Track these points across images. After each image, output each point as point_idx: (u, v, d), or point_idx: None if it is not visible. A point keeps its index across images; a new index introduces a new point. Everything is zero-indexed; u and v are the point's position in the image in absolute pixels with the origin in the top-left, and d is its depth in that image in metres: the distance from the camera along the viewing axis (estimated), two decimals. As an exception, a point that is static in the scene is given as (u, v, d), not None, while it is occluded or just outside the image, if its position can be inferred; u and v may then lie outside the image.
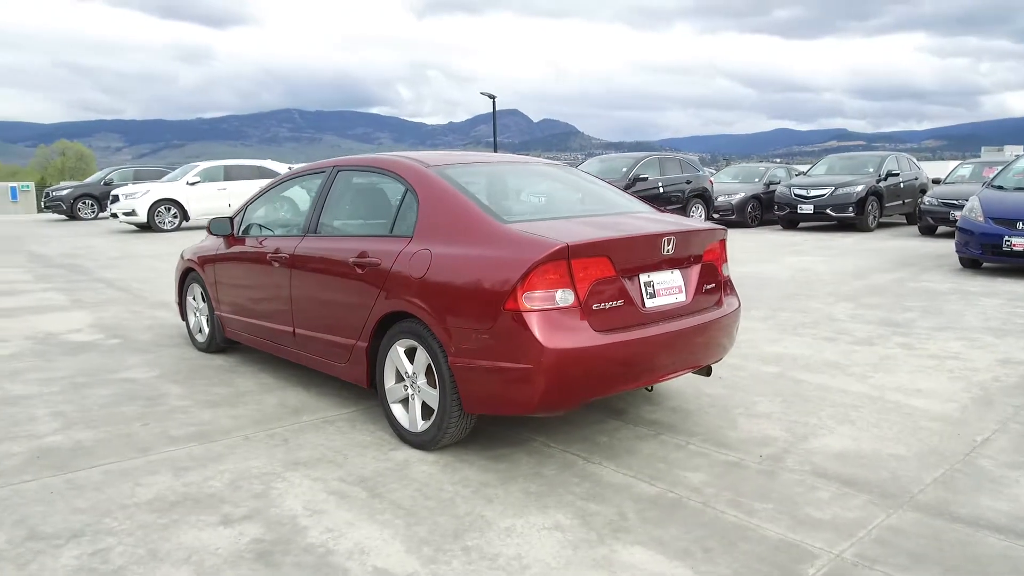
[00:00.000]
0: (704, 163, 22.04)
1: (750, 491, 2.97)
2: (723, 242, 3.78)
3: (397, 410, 3.55)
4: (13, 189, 26.08)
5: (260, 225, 4.74)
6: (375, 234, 3.76)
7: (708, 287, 3.61)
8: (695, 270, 3.54)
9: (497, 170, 4.07)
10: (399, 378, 3.52)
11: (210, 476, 3.11)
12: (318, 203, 4.22)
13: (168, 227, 16.56)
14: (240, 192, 17.70)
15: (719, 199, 16.27)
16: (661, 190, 14.28)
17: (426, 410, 3.41)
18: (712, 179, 16.42)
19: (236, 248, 4.79)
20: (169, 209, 16.69)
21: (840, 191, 14.46)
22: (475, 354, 3.07)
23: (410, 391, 3.46)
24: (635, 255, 3.24)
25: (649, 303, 3.28)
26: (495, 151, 31.26)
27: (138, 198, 16.50)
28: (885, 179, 14.71)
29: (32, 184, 27.43)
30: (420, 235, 3.44)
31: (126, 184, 19.52)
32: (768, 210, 16.16)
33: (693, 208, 15.00)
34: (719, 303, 3.68)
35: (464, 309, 3.11)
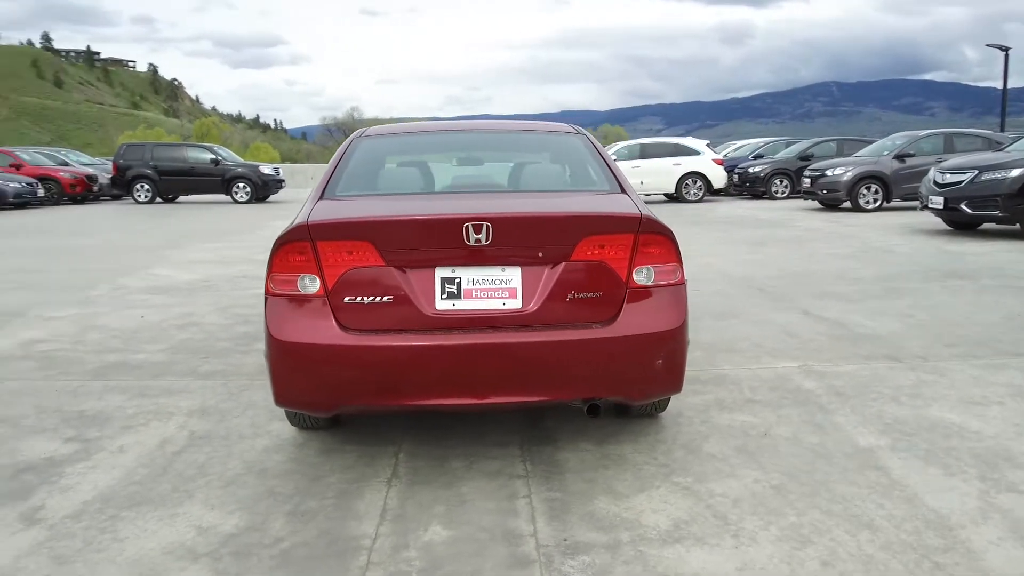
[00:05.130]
0: None
1: (456, 572, 2.17)
2: (640, 236, 2.66)
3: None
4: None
5: None
6: None
7: (583, 295, 2.61)
8: (553, 271, 2.61)
9: (447, 140, 3.58)
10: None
11: (111, 403, 3.65)
12: None
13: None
14: (653, 169, 18.19)
15: None
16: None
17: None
18: None
19: None
20: (587, 185, 18.15)
21: None
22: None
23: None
24: (419, 242, 2.58)
25: (443, 304, 2.58)
26: (1003, 114, 24.71)
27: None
28: None
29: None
30: None
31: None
32: None
33: None
34: (610, 318, 2.63)
35: None
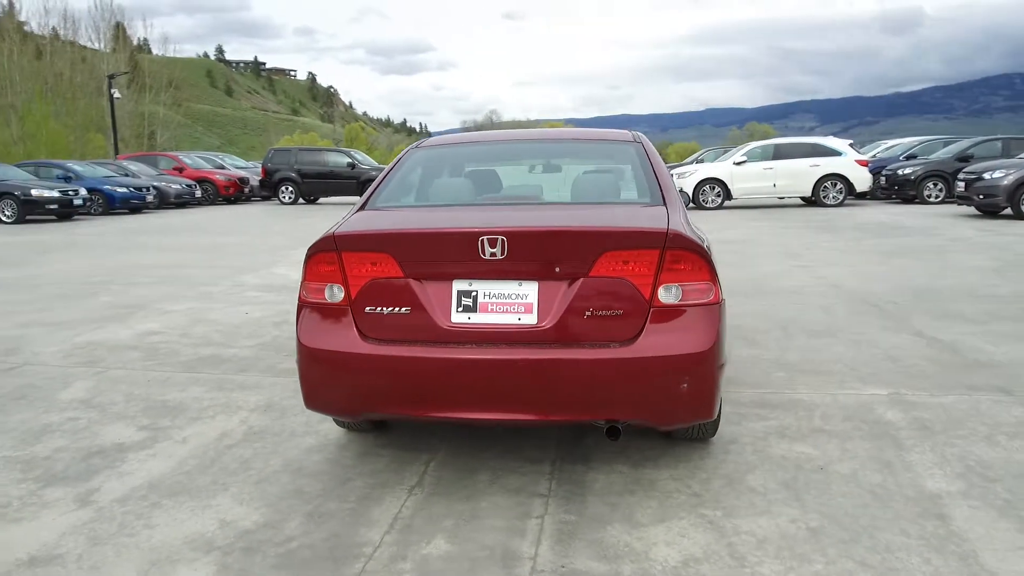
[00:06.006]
0: None
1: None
2: (667, 253, 2.51)
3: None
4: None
5: None
6: None
7: (602, 313, 2.50)
8: (571, 287, 2.52)
9: (499, 150, 3.54)
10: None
11: (190, 395, 3.92)
12: None
13: (710, 205, 17.37)
14: (788, 171, 17.21)
15: None
16: None
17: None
18: None
19: None
20: (713, 188, 17.47)
21: None
22: None
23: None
24: (436, 255, 2.58)
25: (459, 317, 2.56)
26: None
27: (687, 177, 17.79)
28: None
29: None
30: None
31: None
32: None
33: None
34: (631, 337, 2.50)
35: None
